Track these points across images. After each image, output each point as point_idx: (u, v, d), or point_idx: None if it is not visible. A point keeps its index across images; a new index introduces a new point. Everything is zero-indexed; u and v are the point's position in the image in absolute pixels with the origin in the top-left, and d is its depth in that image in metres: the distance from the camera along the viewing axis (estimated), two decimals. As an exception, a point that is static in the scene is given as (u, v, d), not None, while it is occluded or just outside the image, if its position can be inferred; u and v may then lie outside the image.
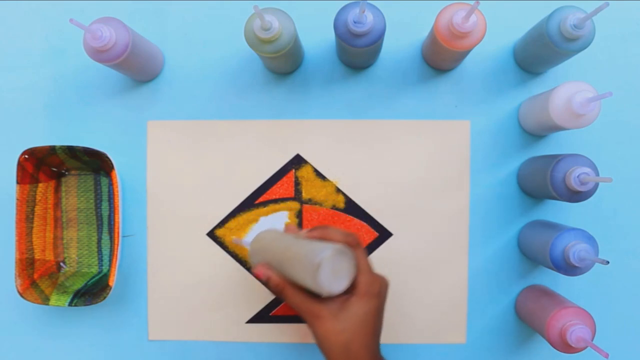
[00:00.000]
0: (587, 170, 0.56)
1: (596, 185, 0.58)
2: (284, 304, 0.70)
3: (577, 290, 0.69)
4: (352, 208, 0.70)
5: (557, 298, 0.63)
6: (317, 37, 0.70)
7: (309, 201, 0.70)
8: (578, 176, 0.56)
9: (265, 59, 0.63)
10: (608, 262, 0.54)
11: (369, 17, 0.58)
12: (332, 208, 0.70)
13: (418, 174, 0.70)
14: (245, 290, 0.71)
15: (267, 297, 0.71)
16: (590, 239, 0.59)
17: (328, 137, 0.70)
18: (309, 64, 0.70)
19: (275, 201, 0.70)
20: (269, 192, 0.70)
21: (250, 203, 0.70)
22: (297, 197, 0.70)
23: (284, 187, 0.70)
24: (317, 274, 0.51)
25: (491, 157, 0.70)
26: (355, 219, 0.70)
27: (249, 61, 0.70)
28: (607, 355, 0.52)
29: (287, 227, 0.63)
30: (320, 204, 0.70)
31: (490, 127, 0.70)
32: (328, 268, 0.52)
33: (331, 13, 0.60)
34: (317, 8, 0.69)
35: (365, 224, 0.70)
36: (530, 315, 0.65)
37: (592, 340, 0.56)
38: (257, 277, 0.57)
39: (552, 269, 0.60)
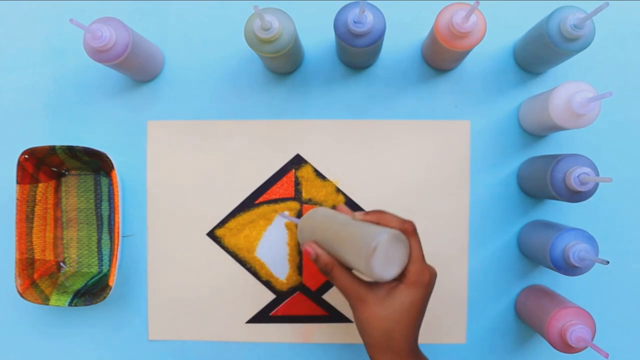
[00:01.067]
0: (587, 170, 0.56)
1: (596, 185, 0.58)
2: (284, 304, 0.70)
3: (577, 290, 0.69)
4: (352, 208, 0.70)
5: (557, 298, 0.63)
6: (317, 37, 0.70)
7: (309, 201, 0.70)
8: (578, 176, 0.56)
9: (265, 59, 0.63)
10: (608, 262, 0.54)
11: (369, 17, 0.58)
12: (332, 208, 0.70)
13: (418, 174, 0.70)
14: (245, 290, 0.71)
15: (267, 297, 0.71)
16: (590, 239, 0.59)
17: (328, 137, 0.70)
18: (309, 64, 0.70)
19: (275, 201, 0.70)
20: (269, 192, 0.70)
21: (250, 203, 0.70)
22: (297, 197, 0.70)
23: (284, 187, 0.70)
24: (371, 258, 0.50)
25: (491, 157, 0.70)
26: (355, 219, 0.70)
27: (249, 61, 0.70)
28: (607, 355, 0.52)
29: (339, 207, 0.61)
30: (320, 204, 0.70)
31: (490, 127, 0.70)
32: (383, 252, 0.51)
33: (331, 13, 0.60)
34: (317, 8, 0.69)
35: (365, 224, 0.70)
36: (530, 315, 0.65)
37: (592, 340, 0.56)
38: (305, 254, 0.56)
39: (552, 269, 0.60)
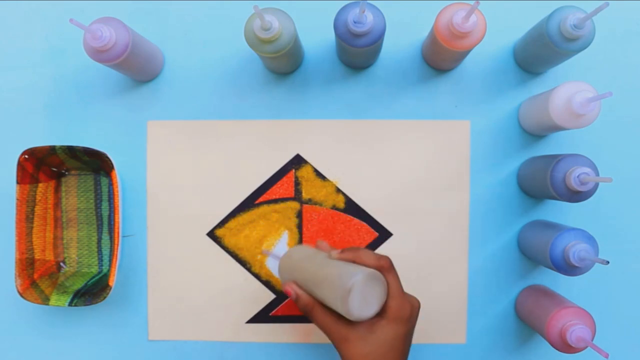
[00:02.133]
0: (587, 170, 0.56)
1: (596, 185, 0.57)
2: (284, 304, 0.70)
3: (577, 290, 0.69)
4: (352, 208, 0.70)
5: (557, 298, 0.63)
6: (317, 37, 0.70)
7: (309, 201, 0.70)
8: (578, 176, 0.56)
9: (265, 59, 0.63)
10: (608, 262, 0.54)
11: (369, 17, 0.57)
12: (332, 208, 0.70)
13: (418, 174, 0.70)
14: (245, 290, 0.71)
15: (267, 297, 0.71)
16: (590, 239, 0.59)
17: (328, 137, 0.70)
18: (309, 64, 0.70)
19: (275, 201, 0.70)
20: (269, 192, 0.70)
21: (250, 203, 0.70)
22: (297, 197, 0.70)
23: (284, 187, 0.70)
24: (347, 299, 0.51)
25: (491, 157, 0.70)
26: (355, 219, 0.70)
27: (249, 61, 0.70)
28: (607, 355, 0.52)
29: (319, 244, 0.62)
30: (320, 204, 0.70)
31: (490, 127, 0.70)
32: (358, 293, 0.51)
33: (331, 13, 0.60)
34: (317, 8, 0.69)
35: (365, 224, 0.70)
36: (530, 315, 0.65)
37: (592, 340, 0.56)
38: (286, 294, 0.58)
39: (552, 269, 0.60)
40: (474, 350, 0.70)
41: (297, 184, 0.70)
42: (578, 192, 0.58)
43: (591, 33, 0.58)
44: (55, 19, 0.71)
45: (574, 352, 0.58)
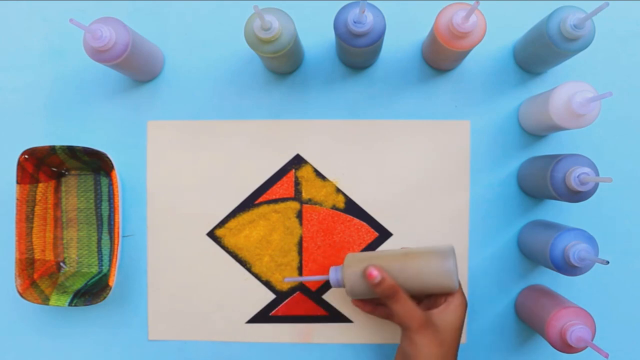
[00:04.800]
0: (587, 170, 0.56)
1: (596, 185, 0.58)
2: (284, 304, 0.70)
3: (577, 290, 0.69)
4: (352, 208, 0.70)
5: (557, 298, 0.63)
6: (317, 37, 0.70)
7: (309, 201, 0.70)
8: (578, 176, 0.56)
9: (265, 59, 0.63)
10: (608, 262, 0.54)
11: (369, 17, 0.57)
12: (332, 208, 0.70)
13: (418, 174, 0.70)
14: (245, 290, 0.71)
15: (267, 297, 0.71)
16: (590, 239, 0.59)
17: (328, 137, 0.70)
18: (309, 64, 0.70)
19: (275, 201, 0.70)
20: (269, 192, 0.70)
21: (250, 203, 0.70)
22: (297, 197, 0.70)
23: (284, 187, 0.70)
24: (448, 261, 0.58)
25: (491, 157, 0.70)
26: (355, 219, 0.70)
27: (249, 61, 0.70)
28: (607, 355, 0.52)
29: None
30: (320, 204, 0.70)
31: (490, 127, 0.70)
32: (453, 260, 0.59)
33: (331, 13, 0.60)
34: (317, 8, 0.69)
35: (365, 224, 0.70)
36: (530, 315, 0.65)
37: (592, 340, 0.56)
38: (369, 277, 0.59)
39: (552, 269, 0.60)
40: (474, 350, 0.70)
41: (297, 184, 0.70)
42: (578, 192, 0.58)
43: (591, 33, 0.58)
44: (55, 19, 0.71)
45: (574, 352, 0.58)
